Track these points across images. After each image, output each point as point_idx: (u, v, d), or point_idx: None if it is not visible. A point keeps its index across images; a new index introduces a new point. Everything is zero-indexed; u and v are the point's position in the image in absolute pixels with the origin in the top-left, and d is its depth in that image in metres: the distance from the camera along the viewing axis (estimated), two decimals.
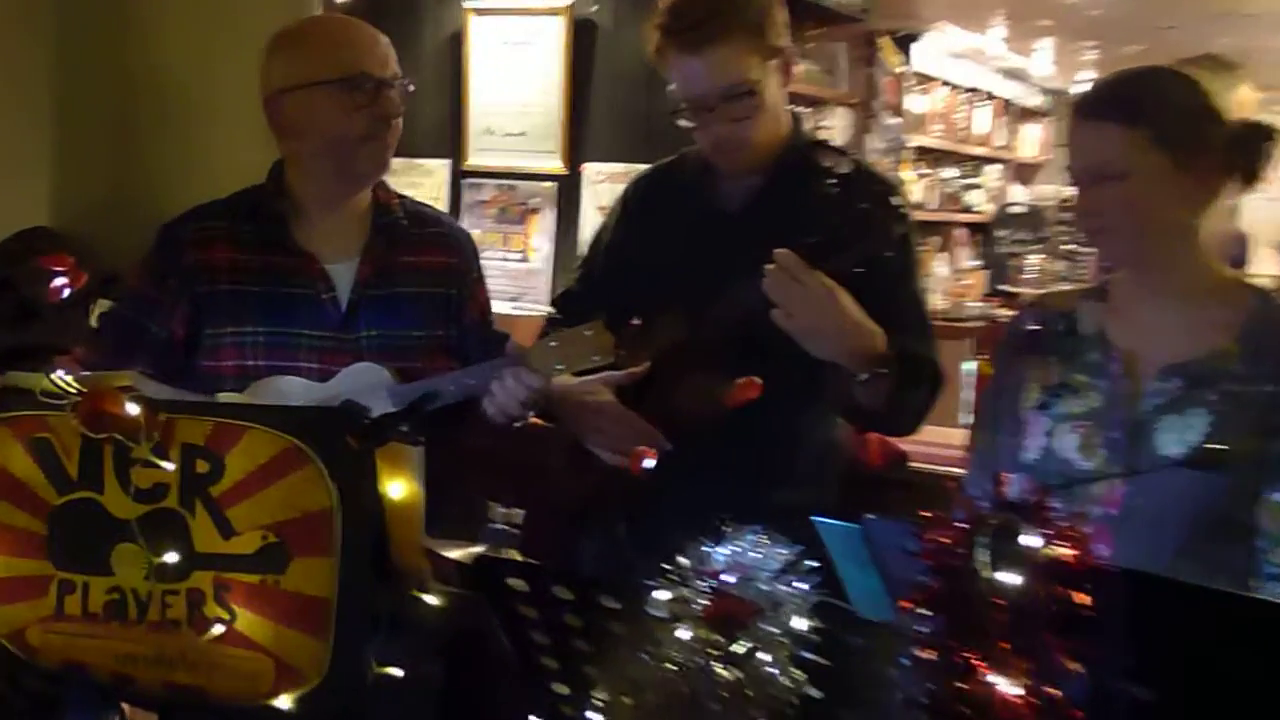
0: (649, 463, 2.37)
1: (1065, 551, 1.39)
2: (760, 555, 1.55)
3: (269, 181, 2.65)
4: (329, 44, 2.51)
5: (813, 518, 1.65)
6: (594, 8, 4.73)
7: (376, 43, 2.53)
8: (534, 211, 4.80)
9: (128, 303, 2.68)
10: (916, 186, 7.97)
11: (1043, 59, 9.09)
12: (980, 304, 8.13)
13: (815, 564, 1.57)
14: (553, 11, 4.78)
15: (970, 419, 3.54)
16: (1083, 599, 1.37)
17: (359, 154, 2.54)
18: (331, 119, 2.50)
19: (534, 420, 2.81)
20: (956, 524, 1.43)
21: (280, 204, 2.62)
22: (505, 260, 4.82)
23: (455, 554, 1.90)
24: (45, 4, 5.24)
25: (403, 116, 2.56)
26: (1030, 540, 1.39)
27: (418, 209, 2.74)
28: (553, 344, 2.41)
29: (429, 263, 2.67)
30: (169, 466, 1.79)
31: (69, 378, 1.80)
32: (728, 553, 1.56)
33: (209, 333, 2.57)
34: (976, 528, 1.42)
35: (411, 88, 2.56)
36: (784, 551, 1.55)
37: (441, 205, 4.87)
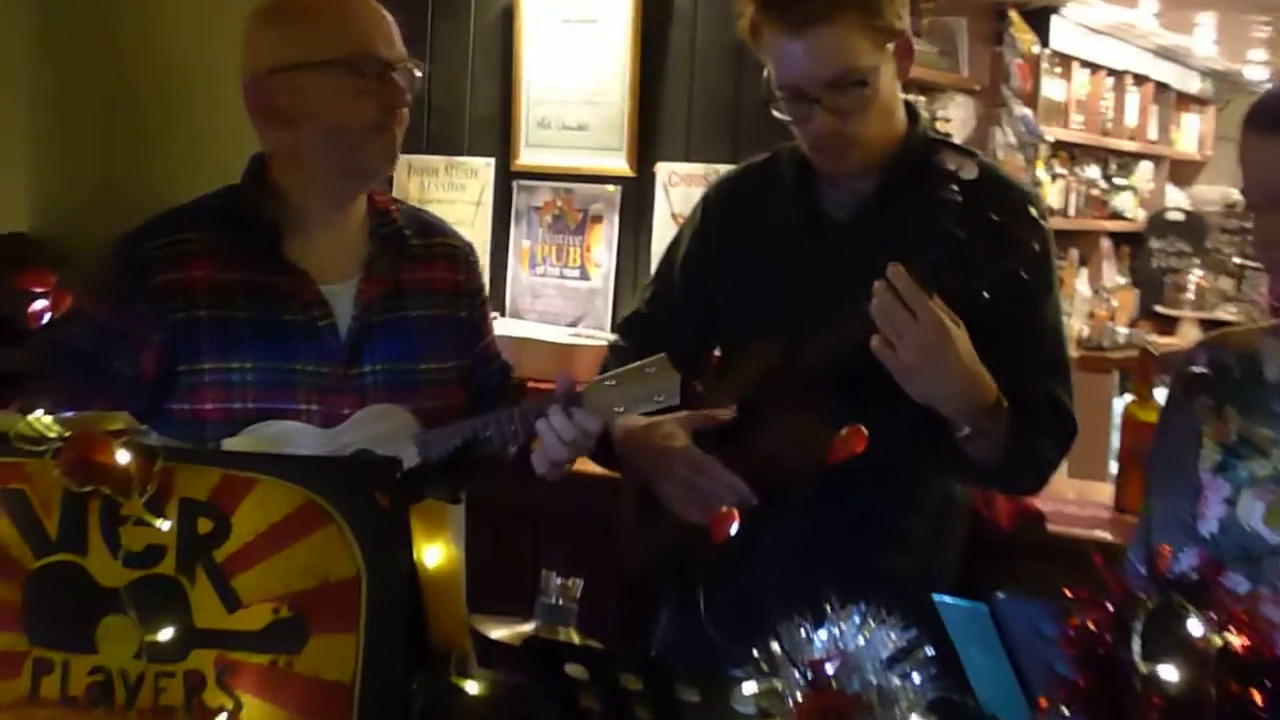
0: (734, 527, 2.37)
1: (1237, 639, 1.37)
2: (867, 639, 1.54)
3: (248, 182, 2.62)
4: (331, 18, 2.51)
5: (933, 595, 1.64)
6: None
7: (383, 18, 2.54)
8: (596, 219, 4.79)
9: (84, 334, 2.58)
10: (1053, 189, 7.93)
11: (1204, 36, 9.02)
12: (1130, 330, 8.06)
13: (933, 651, 1.56)
14: None
15: (1117, 468, 3.51)
16: (1258, 696, 1.35)
17: (365, 146, 2.53)
18: (333, 105, 2.50)
19: (595, 468, 2.82)
20: (1106, 604, 1.41)
21: (267, 210, 2.59)
22: (562, 278, 4.81)
23: (502, 632, 1.90)
24: None
25: (409, 106, 2.57)
26: (1195, 626, 1.37)
27: (419, 216, 2.75)
28: (609, 383, 2.42)
29: (439, 280, 2.68)
30: (165, 525, 1.80)
31: (48, 419, 1.81)
32: (828, 636, 1.55)
33: (185, 369, 2.52)
34: (1130, 609, 1.40)
35: (419, 73, 2.55)
36: (896, 635, 1.54)
37: (486, 209, 4.88)
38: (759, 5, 2.58)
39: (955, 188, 2.56)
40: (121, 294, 2.56)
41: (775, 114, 2.63)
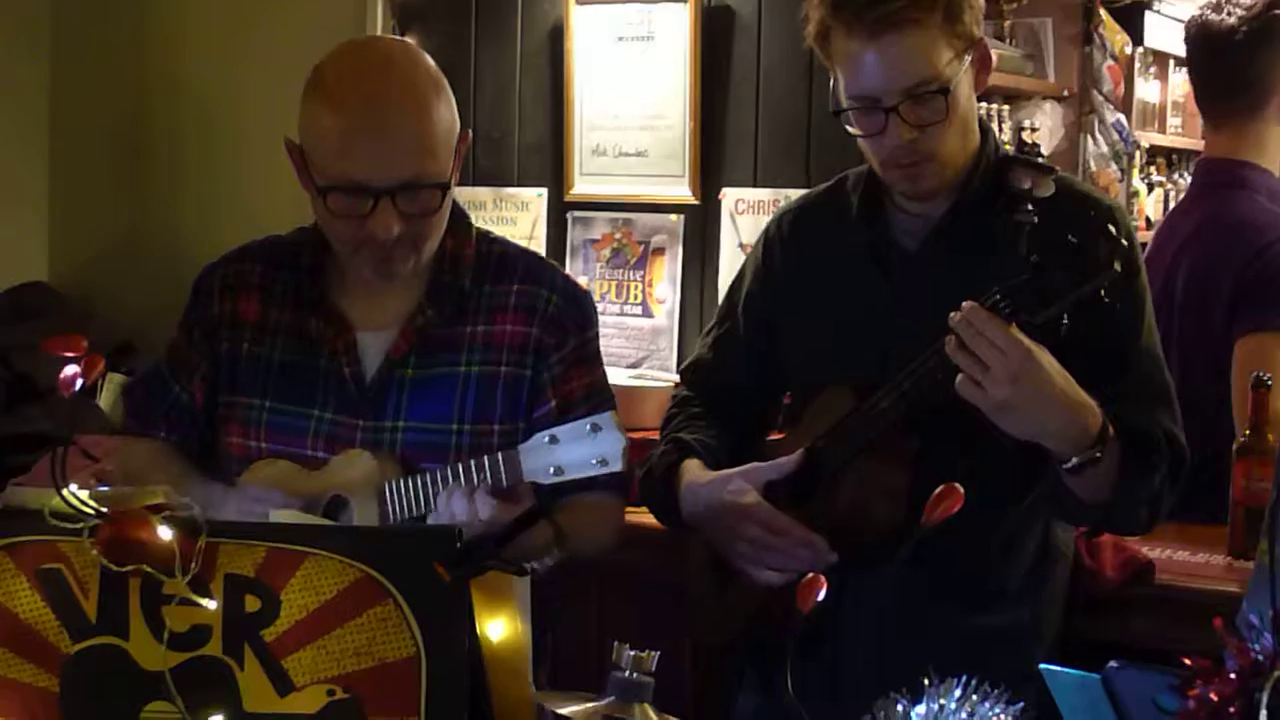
0: (821, 594, 2.36)
1: None
2: (971, 715, 1.54)
3: (316, 224, 2.68)
4: (333, 130, 2.48)
5: (1039, 665, 1.63)
6: None
7: (394, 138, 2.47)
8: (658, 252, 4.78)
9: (162, 357, 2.80)
10: (1149, 199, 7.88)
11: None
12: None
13: None
14: None
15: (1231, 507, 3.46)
16: None
17: (353, 259, 2.57)
18: (319, 213, 2.56)
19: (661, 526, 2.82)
20: (1229, 674, 1.41)
21: (321, 253, 2.66)
22: (622, 315, 4.79)
23: (573, 710, 1.89)
24: (39, 9, 5.36)
25: (437, 214, 2.53)
26: None
27: (505, 261, 2.71)
28: (546, 439, 2.38)
29: (505, 334, 2.64)
30: (210, 605, 1.82)
31: (84, 494, 1.82)
32: (927, 711, 1.55)
33: (223, 400, 2.69)
34: (1256, 679, 1.40)
35: (451, 185, 2.54)
36: (1002, 710, 1.54)
37: (539, 244, 4.85)
38: (830, 9, 2.57)
39: (1030, 208, 2.54)
40: (186, 318, 2.75)
41: (847, 128, 2.63)
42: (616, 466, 2.34)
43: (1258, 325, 3.47)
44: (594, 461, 2.34)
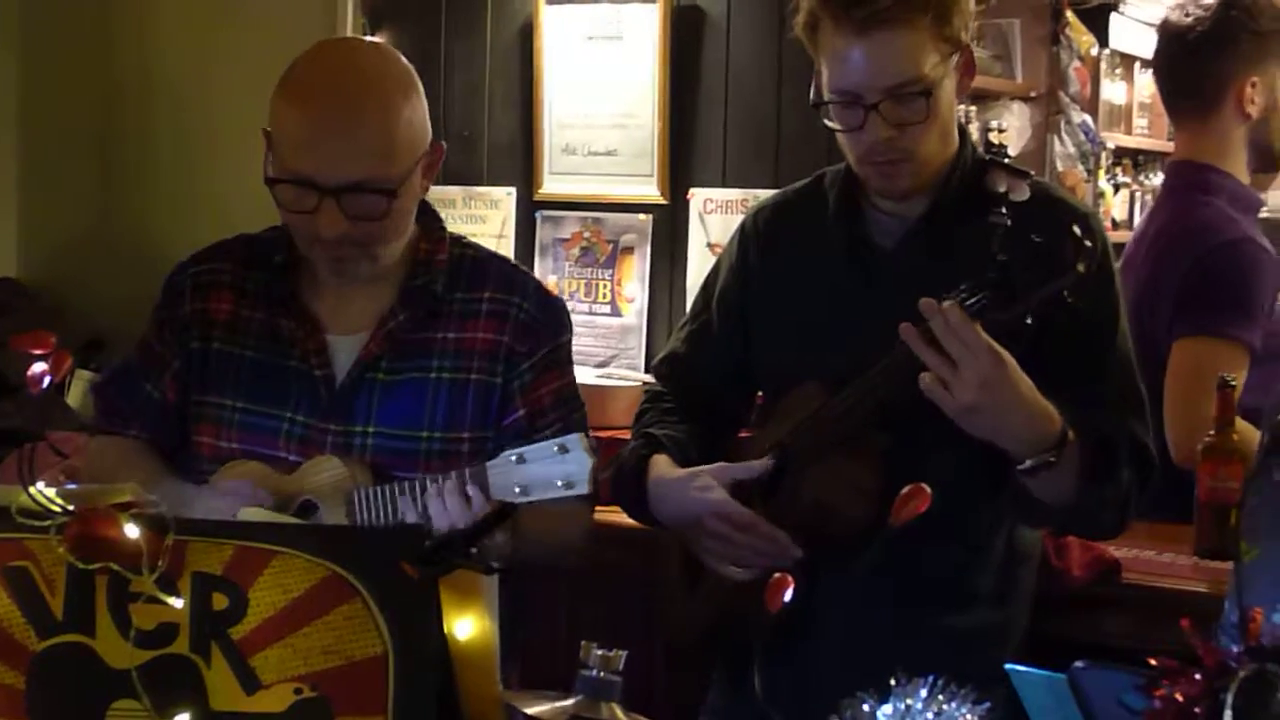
0: (789, 594, 2.37)
1: None
2: (938, 714, 1.54)
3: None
4: (289, 124, 2.48)
5: (1005, 665, 1.64)
6: None
7: (351, 138, 2.45)
8: (627, 251, 4.79)
9: (133, 354, 2.78)
10: (1116, 199, 7.90)
11: None
12: None
13: None
14: None
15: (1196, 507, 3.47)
16: None
17: (311, 254, 2.57)
18: (280, 205, 2.53)
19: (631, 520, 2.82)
20: (1195, 675, 1.41)
21: (293, 252, 2.64)
22: (591, 314, 4.80)
23: (540, 709, 1.89)
24: (7, 3, 5.33)
25: (387, 219, 2.50)
26: None
27: (479, 266, 2.70)
28: (512, 458, 2.36)
29: (476, 341, 2.62)
30: (177, 603, 1.81)
31: (51, 491, 1.81)
32: (894, 711, 1.55)
33: (194, 400, 2.66)
34: (1221, 679, 1.40)
35: (401, 192, 2.50)
36: (969, 711, 1.54)
37: (509, 243, 4.87)
38: (820, 1, 2.57)
39: (1004, 210, 2.54)
40: (157, 316, 2.73)
41: (825, 122, 2.63)
42: (582, 489, 2.32)
43: (1193, 329, 3.50)
44: (559, 484, 2.32)
